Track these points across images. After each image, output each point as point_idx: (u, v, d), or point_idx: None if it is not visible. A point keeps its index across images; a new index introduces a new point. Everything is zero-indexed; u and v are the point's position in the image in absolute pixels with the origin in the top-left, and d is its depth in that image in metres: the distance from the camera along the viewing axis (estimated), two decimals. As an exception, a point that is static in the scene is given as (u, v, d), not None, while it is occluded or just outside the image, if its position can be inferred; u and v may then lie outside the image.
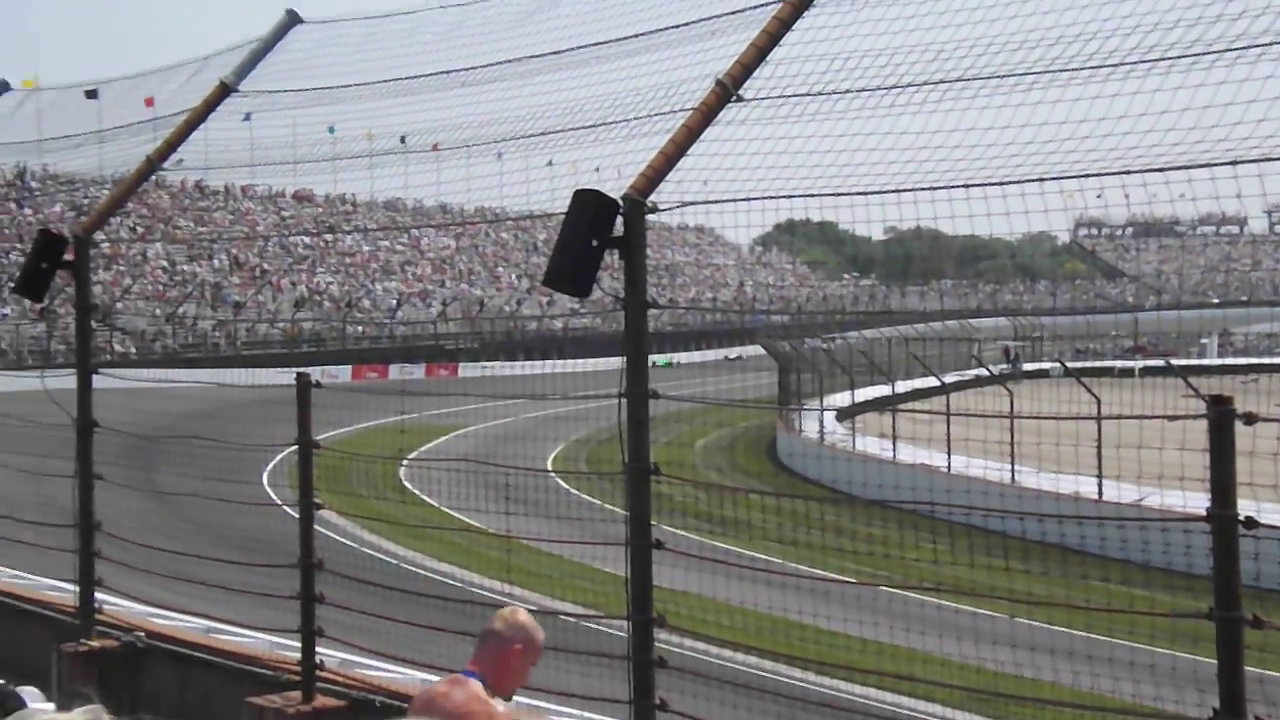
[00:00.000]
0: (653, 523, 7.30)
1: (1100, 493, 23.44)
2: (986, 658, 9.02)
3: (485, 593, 13.72)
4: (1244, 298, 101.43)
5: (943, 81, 6.57)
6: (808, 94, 7.05)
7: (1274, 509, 7.73)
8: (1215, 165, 5.31)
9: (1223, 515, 5.42)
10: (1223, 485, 5.42)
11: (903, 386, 40.25)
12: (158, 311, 64.14)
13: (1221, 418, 5.37)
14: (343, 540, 20.70)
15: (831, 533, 14.85)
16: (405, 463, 21.76)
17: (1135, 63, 5.86)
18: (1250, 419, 5.49)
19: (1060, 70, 6.14)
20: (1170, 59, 5.73)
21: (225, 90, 10.33)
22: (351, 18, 10.26)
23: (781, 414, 41.20)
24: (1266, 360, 62.56)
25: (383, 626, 8.94)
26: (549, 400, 28.08)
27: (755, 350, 57.95)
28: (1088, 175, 5.83)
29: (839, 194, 7.27)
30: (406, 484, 22.18)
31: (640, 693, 7.10)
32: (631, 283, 7.21)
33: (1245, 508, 5.52)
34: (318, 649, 8.70)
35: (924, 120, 6.69)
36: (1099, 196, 6.53)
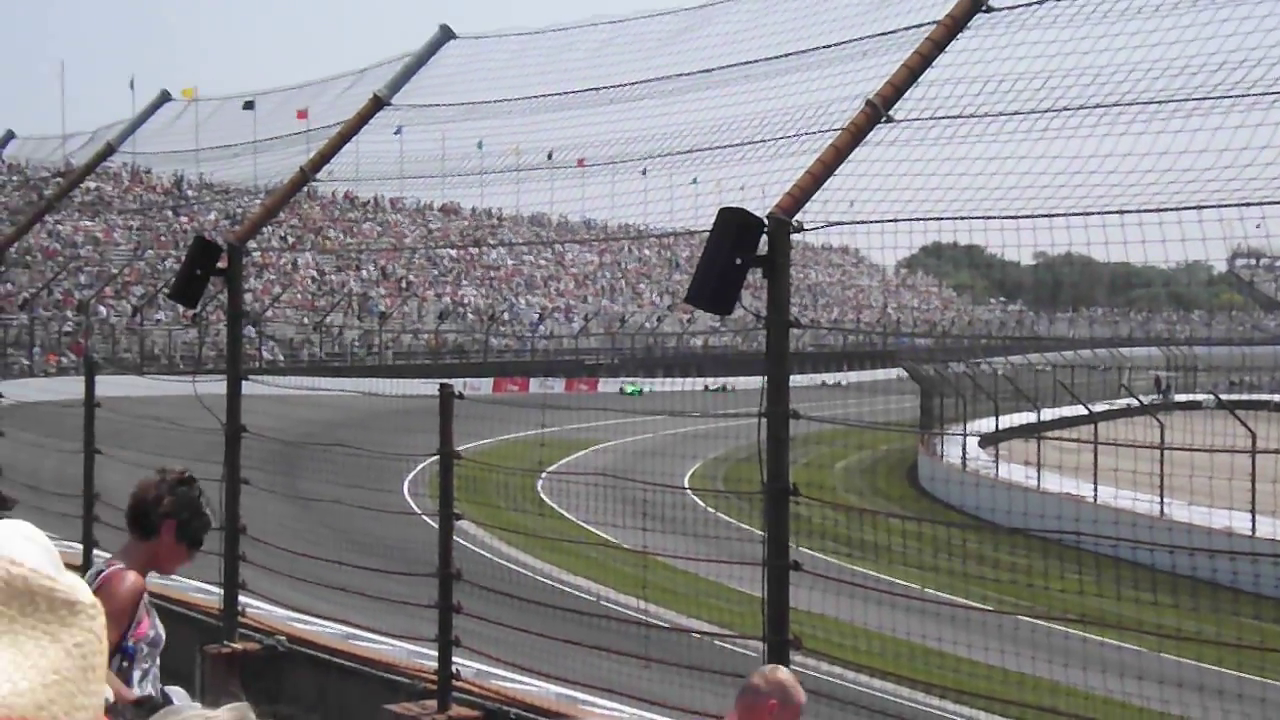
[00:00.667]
0: (790, 544, 7.26)
1: (1254, 528, 22.80)
2: (1132, 692, 8.81)
3: (620, 608, 13.74)
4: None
5: (1099, 106, 6.45)
6: (959, 116, 6.97)
7: None
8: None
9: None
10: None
11: (1049, 414, 39.57)
12: (306, 320, 65.43)
13: (1385, 456, 5.21)
14: (480, 551, 20.93)
15: (972, 560, 14.62)
16: (544, 476, 21.91)
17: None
18: None
19: (1221, 97, 5.99)
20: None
21: (378, 103, 10.50)
22: (503, 34, 10.38)
23: (923, 438, 40.75)
24: None
25: (519, 638, 9.00)
26: (690, 416, 28.09)
27: (893, 373, 57.39)
28: (1248, 204, 5.69)
29: (988, 217, 7.18)
30: (544, 497, 22.35)
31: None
32: (775, 302, 7.18)
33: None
34: (454, 659, 8.78)
35: (1078, 145, 6.58)
36: (1258, 226, 6.36)
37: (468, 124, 10.40)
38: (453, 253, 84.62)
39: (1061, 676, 9.65)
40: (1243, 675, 10.66)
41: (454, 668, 8.82)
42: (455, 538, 9.03)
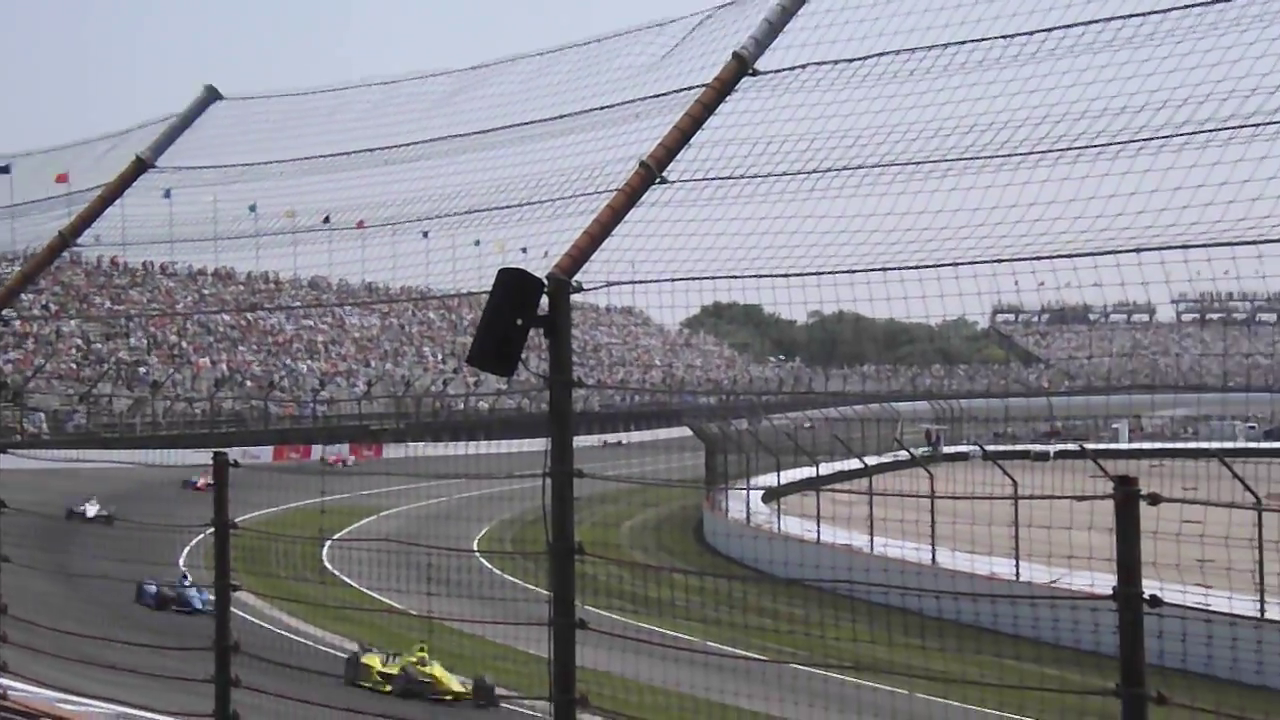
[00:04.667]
0: (576, 602, 7.28)
1: (1017, 573, 23.64)
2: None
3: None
4: (1152, 383, 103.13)
5: (861, 167, 6.69)
6: (730, 176, 7.15)
7: (1178, 589, 7.85)
8: (1120, 252, 5.44)
9: (1128, 593, 5.49)
10: (1128, 564, 5.50)
11: (827, 469, 40.49)
12: (71, 391, 63.21)
13: (1127, 498, 5.47)
14: (260, 623, 20.42)
15: (754, 612, 14.84)
16: (329, 543, 21.54)
17: (1044, 151, 6.01)
18: (1154, 500, 5.59)
19: (973, 158, 6.28)
20: (1077, 149, 5.89)
21: (141, 166, 10.24)
22: (272, 94, 10.26)
23: (708, 495, 41.26)
24: (1176, 445, 63.53)
25: (300, 710, 8.81)
26: (481, 481, 27.94)
27: (682, 432, 58.01)
28: (1001, 260, 5.95)
29: (760, 275, 7.35)
30: (328, 565, 21.95)
31: (562, 775, 7.03)
32: (556, 362, 7.24)
33: (1150, 587, 5.60)
34: (232, 732, 8.54)
35: (843, 204, 6.80)
36: (1016, 284, 6.64)
37: (239, 186, 10.23)
38: (228, 318, 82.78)
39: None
40: (1004, 715, 11.03)
41: (232, 741, 8.57)
42: (233, 609, 8.81)
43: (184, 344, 77.29)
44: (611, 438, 74.56)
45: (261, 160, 9.95)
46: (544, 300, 7.03)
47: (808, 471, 38.84)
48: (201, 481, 32.78)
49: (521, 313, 6.91)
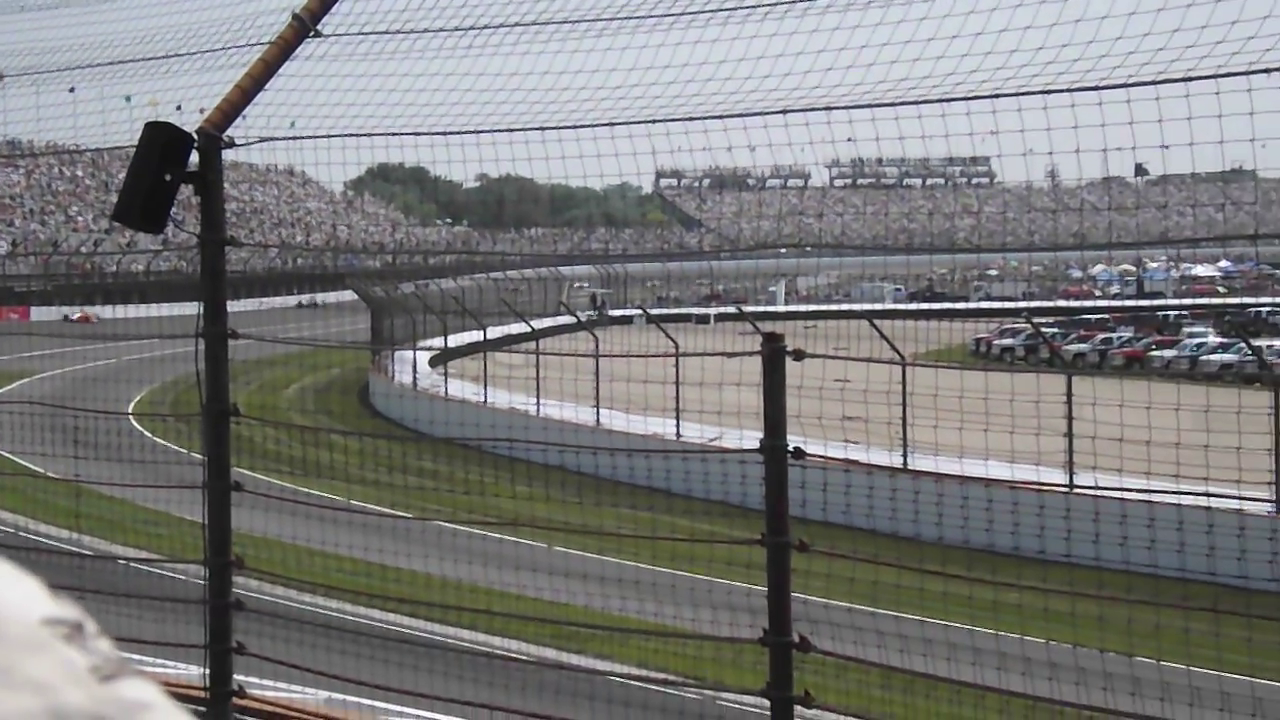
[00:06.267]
0: (234, 465, 7.20)
1: (678, 430, 24.41)
2: (561, 589, 9.33)
3: (50, 541, 13.12)
4: (807, 246, 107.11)
5: (518, 25, 6.69)
6: (387, 31, 7.05)
7: (821, 443, 8.29)
8: (769, 114, 5.64)
9: (774, 445, 5.78)
10: (774, 418, 5.77)
11: (495, 332, 40.64)
12: None
13: (773, 353, 5.72)
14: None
15: (416, 474, 14.91)
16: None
17: (696, 12, 6.14)
18: (799, 355, 5.88)
19: (628, 18, 6.35)
20: (726, 10, 6.02)
21: None
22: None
23: (374, 359, 40.92)
24: (828, 307, 66.39)
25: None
26: (142, 345, 26.98)
27: (347, 296, 57.24)
28: (657, 120, 6.07)
29: (420, 133, 7.31)
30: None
31: (216, 637, 7.01)
32: (208, 220, 7.05)
33: (797, 442, 5.90)
34: None
35: (501, 62, 6.80)
36: (674, 149, 6.79)
37: None
38: None
39: (495, 579, 10.09)
40: (657, 569, 11.48)
41: None
42: None
43: None
44: (304, 299, 73.06)
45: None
46: (195, 157, 6.83)
47: (475, 336, 38.96)
48: None
49: (170, 168, 6.69)
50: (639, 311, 43.63)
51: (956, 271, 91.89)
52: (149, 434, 21.50)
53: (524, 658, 10.49)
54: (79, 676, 0.64)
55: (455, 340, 39.02)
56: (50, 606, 0.66)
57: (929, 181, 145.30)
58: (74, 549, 12.14)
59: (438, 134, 7.25)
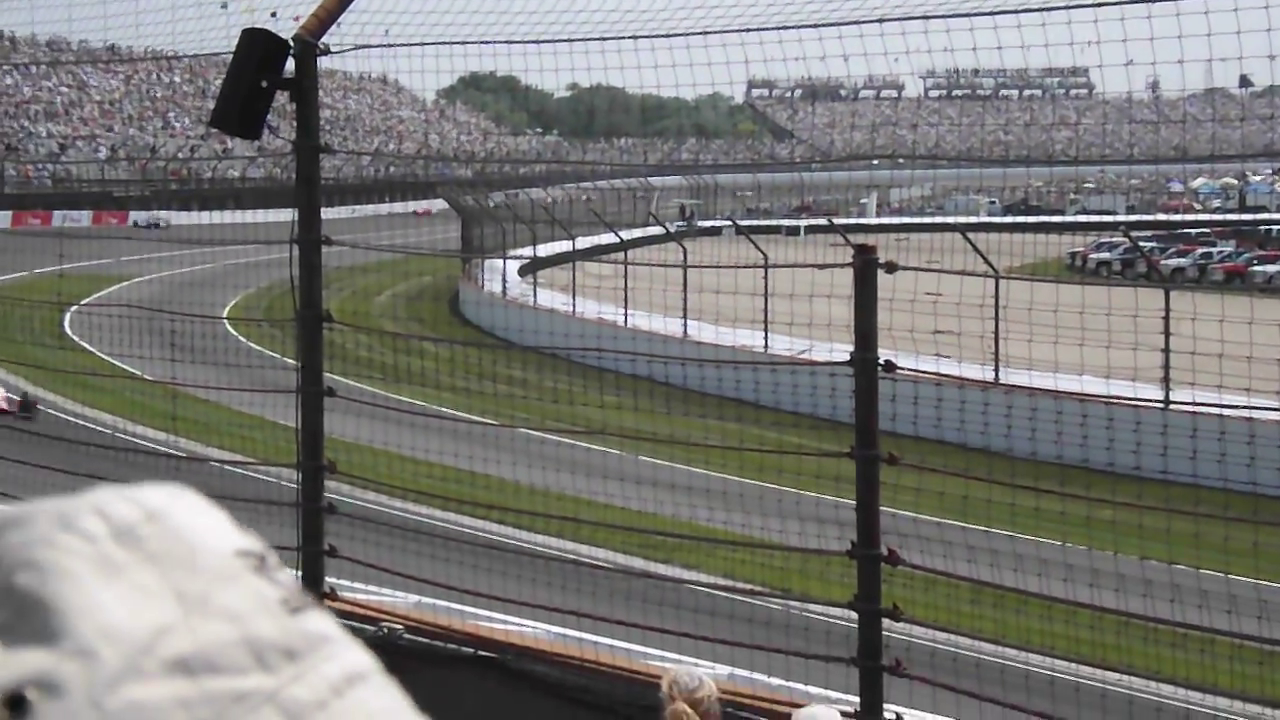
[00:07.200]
0: (325, 371, 7.27)
1: (766, 343, 24.32)
2: (648, 499, 9.36)
3: (147, 443, 13.37)
4: (900, 159, 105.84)
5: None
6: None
7: (913, 356, 8.23)
8: (864, 23, 5.53)
9: (864, 358, 5.73)
10: (865, 330, 5.72)
11: (583, 243, 40.67)
12: None
13: (865, 265, 5.66)
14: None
15: (504, 382, 15.00)
16: (75, 310, 20.84)
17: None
18: (891, 267, 5.81)
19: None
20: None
21: None
22: None
23: (464, 268, 41.10)
24: (920, 220, 65.55)
25: (38, 475, 8.65)
26: (237, 250, 27.30)
27: (439, 204, 57.42)
28: (749, 30, 5.98)
29: (511, 41, 7.28)
30: (69, 331, 21.34)
31: (309, 539, 7.12)
32: (303, 126, 7.08)
33: (887, 355, 5.85)
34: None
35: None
36: (767, 58, 6.69)
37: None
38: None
39: (583, 487, 10.15)
40: (744, 480, 11.49)
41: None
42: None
43: (-91, 102, 72.81)
44: (401, 207, 73.43)
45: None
46: (291, 64, 6.84)
47: (564, 245, 39.00)
48: None
49: (266, 75, 6.71)
50: (728, 223, 43.38)
51: (1053, 184, 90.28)
52: (243, 338, 21.82)
53: (610, 566, 10.58)
54: (270, 607, 0.65)
55: (544, 250, 39.10)
56: (240, 539, 0.68)
57: (1025, 92, 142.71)
58: (170, 450, 12.35)
59: (530, 42, 7.21)
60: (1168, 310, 18.78)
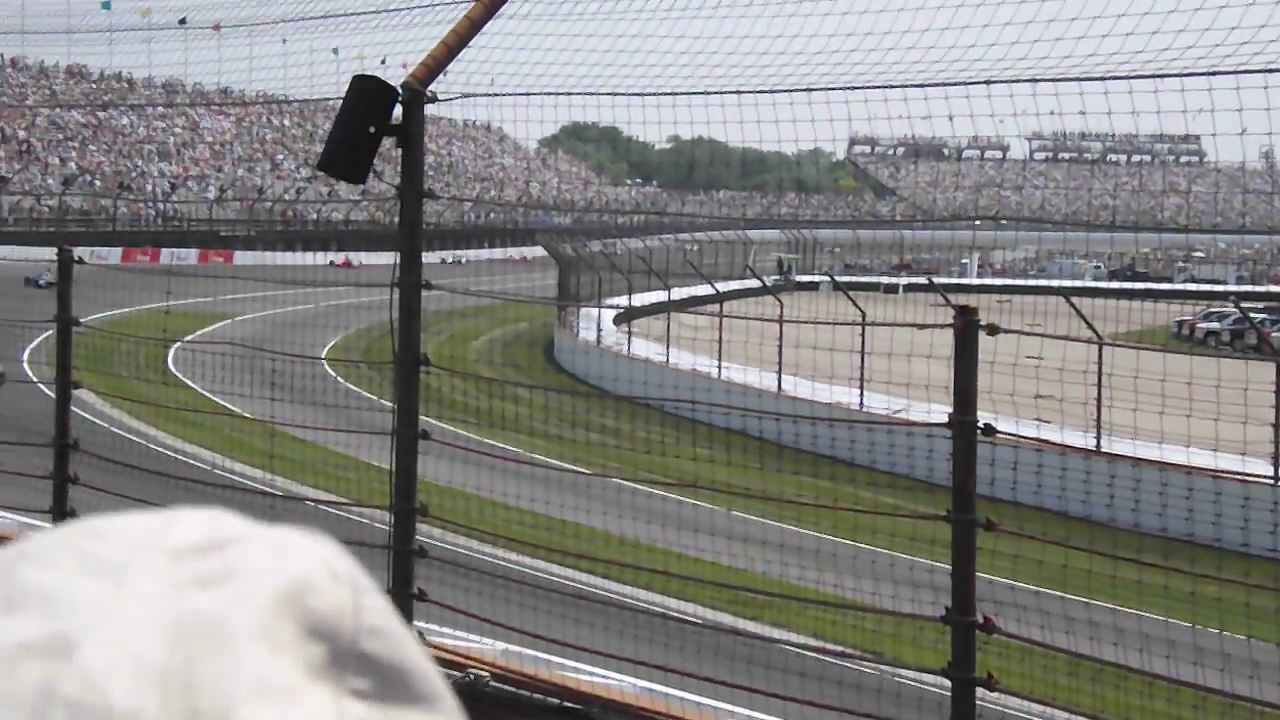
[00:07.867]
0: (421, 414, 7.30)
1: (861, 400, 24.14)
2: (739, 554, 9.28)
3: (242, 479, 13.52)
4: (1003, 220, 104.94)
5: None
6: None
7: (1013, 420, 8.10)
8: (971, 84, 5.47)
9: (962, 421, 5.63)
10: (964, 392, 5.63)
11: (679, 293, 40.71)
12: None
13: (966, 327, 5.57)
14: (100, 422, 20.15)
15: (598, 431, 14.99)
16: (178, 345, 21.20)
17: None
18: (993, 330, 5.72)
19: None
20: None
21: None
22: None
23: (560, 315, 41.32)
24: (1023, 282, 64.88)
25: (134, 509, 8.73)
26: (337, 291, 27.65)
27: (537, 251, 57.79)
28: (854, 88, 5.95)
29: (617, 94, 7.30)
30: (172, 368, 21.66)
31: (399, 582, 7.12)
32: (408, 172, 7.14)
33: (986, 418, 5.75)
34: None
35: (701, 25, 6.74)
36: (871, 116, 6.65)
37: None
38: (79, 116, 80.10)
39: (674, 541, 10.09)
40: (838, 539, 11.37)
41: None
42: (74, 408, 8.68)
43: (33, 140, 74.65)
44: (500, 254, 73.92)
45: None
46: (399, 111, 6.91)
47: (660, 296, 39.07)
48: (45, 279, 31.99)
49: (374, 120, 6.78)
50: (826, 278, 43.25)
51: (1161, 251, 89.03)
52: (340, 379, 22.04)
53: (699, 621, 10.49)
54: None
55: (640, 299, 39.20)
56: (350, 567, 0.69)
57: (1134, 158, 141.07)
58: (266, 489, 12.46)
59: (633, 94, 7.24)
60: (1279, 384, 18.38)
